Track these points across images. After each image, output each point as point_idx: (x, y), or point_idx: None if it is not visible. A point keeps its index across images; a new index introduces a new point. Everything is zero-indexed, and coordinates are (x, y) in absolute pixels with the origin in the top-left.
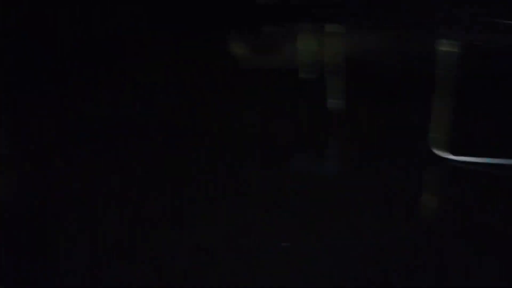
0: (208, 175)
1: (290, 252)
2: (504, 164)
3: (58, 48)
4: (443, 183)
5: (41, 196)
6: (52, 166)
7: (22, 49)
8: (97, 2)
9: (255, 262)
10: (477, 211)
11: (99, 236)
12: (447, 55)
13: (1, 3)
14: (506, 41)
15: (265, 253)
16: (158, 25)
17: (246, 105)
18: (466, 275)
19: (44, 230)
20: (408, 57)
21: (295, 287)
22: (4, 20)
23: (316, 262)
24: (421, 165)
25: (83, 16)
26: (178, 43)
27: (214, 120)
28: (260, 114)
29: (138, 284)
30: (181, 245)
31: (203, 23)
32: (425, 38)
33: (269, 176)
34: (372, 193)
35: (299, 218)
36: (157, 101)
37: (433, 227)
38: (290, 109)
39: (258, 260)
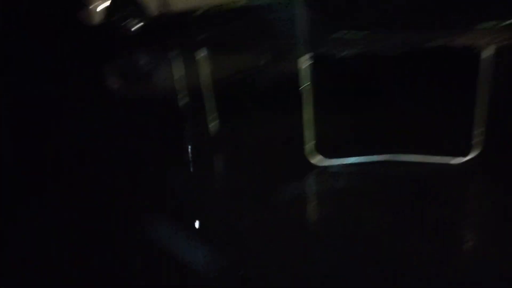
0: None
1: None
2: (372, 161)
3: None
4: (317, 186)
5: None
6: None
7: None
8: None
9: None
10: (347, 210)
11: None
12: (306, 68)
13: None
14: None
15: None
16: None
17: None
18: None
19: None
20: (273, 74)
21: None
22: None
23: None
24: (298, 171)
25: None
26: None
27: None
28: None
29: None
30: None
31: (75, 56)
32: (285, 56)
33: None
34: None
35: None
36: None
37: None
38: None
39: None
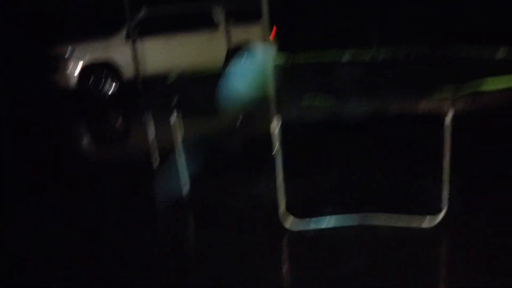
0: None
1: None
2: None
3: None
4: (291, 250)
5: None
6: None
7: None
8: None
9: None
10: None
11: None
12: (277, 133)
13: None
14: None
15: None
16: None
17: None
18: None
19: None
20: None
21: None
22: None
23: None
24: (271, 235)
25: None
26: None
27: None
28: None
29: None
30: None
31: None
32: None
33: None
34: None
35: None
36: None
37: None
38: None
39: None
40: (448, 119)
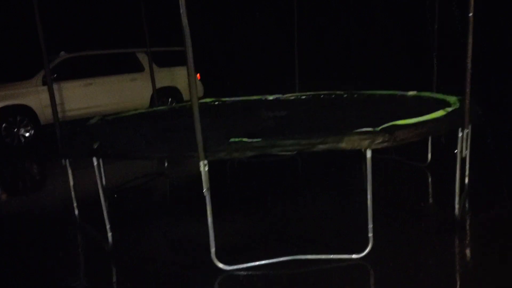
0: None
1: None
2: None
3: None
4: None
5: None
6: None
7: None
8: None
9: None
10: None
11: None
12: (206, 172)
13: None
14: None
15: None
16: None
17: None
18: None
19: None
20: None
21: None
22: None
23: None
24: (204, 276)
25: None
26: None
27: None
28: None
29: None
30: None
31: None
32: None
33: None
34: None
35: None
36: None
37: None
38: None
39: None
40: (369, 153)
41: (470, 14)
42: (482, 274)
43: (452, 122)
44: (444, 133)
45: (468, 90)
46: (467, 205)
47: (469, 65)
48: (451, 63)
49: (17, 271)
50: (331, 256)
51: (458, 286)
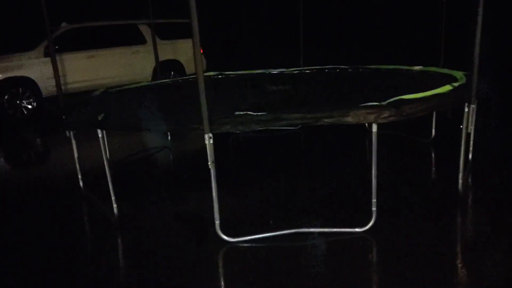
0: None
1: None
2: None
3: None
4: (228, 262)
5: None
6: None
7: None
8: None
9: None
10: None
11: None
12: (211, 145)
13: None
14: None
15: None
16: None
17: None
18: None
19: None
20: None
21: None
22: None
23: None
24: (209, 247)
25: None
26: None
27: None
28: None
29: None
30: None
31: None
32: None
33: None
34: None
35: None
36: None
37: None
38: None
39: None
40: (375, 127)
41: None
42: (483, 248)
43: (458, 97)
44: (450, 108)
45: (476, 64)
46: (470, 180)
47: (478, 39)
48: (459, 38)
49: (22, 242)
50: (334, 230)
51: (459, 260)
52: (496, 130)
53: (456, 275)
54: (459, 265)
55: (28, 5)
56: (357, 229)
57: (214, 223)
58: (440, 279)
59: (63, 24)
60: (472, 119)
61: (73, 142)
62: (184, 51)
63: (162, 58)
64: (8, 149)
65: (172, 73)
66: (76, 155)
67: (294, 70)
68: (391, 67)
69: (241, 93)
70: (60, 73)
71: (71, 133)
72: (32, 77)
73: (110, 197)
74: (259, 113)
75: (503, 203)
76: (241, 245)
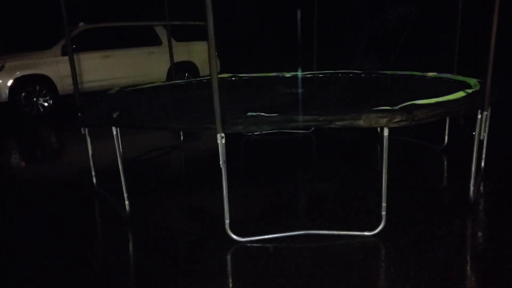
0: None
1: None
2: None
3: None
4: (237, 262)
5: None
6: None
7: None
8: None
9: None
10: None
11: None
12: (223, 145)
13: None
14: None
15: None
16: None
17: None
18: None
19: None
20: (190, 151)
21: None
22: None
23: None
24: (218, 246)
25: None
26: None
27: None
28: None
29: None
30: None
31: None
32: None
33: None
34: None
35: None
36: None
37: None
38: None
39: None
40: (386, 131)
41: None
42: (493, 256)
43: (471, 104)
44: (463, 115)
45: (489, 71)
46: (482, 188)
47: (492, 46)
48: (473, 47)
49: (34, 236)
50: (344, 232)
51: (468, 267)
52: (509, 137)
53: (465, 282)
54: (469, 273)
55: (47, 4)
56: (366, 233)
57: (224, 222)
58: (448, 286)
59: (81, 24)
60: (486, 126)
61: (88, 139)
62: (199, 53)
63: (177, 59)
64: (24, 145)
65: (187, 74)
66: (90, 152)
67: (307, 74)
68: (405, 73)
69: (254, 95)
70: (77, 72)
71: (86, 130)
72: (49, 75)
73: (123, 194)
74: (272, 114)
75: None
76: (250, 245)
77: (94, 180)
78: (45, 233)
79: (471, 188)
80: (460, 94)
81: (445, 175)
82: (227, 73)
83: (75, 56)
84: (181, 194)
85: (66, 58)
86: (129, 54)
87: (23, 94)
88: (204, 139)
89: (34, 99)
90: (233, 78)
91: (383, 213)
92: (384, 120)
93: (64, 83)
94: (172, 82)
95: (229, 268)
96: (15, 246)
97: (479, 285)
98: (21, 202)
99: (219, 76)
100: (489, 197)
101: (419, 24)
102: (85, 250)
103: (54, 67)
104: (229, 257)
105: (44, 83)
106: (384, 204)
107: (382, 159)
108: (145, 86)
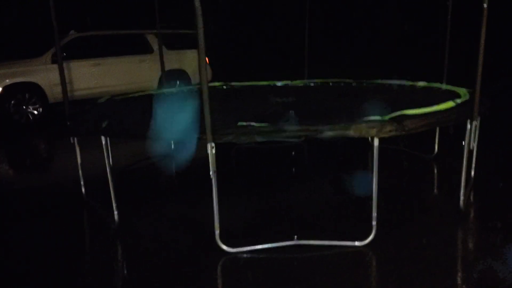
0: None
1: None
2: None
3: None
4: (227, 273)
5: None
6: None
7: None
8: None
9: None
10: None
11: None
12: (213, 155)
13: None
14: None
15: None
16: None
17: None
18: None
19: None
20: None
21: None
22: None
23: None
24: (208, 258)
25: None
26: None
27: None
28: None
29: None
30: None
31: None
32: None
33: None
34: None
35: None
36: None
37: None
38: None
39: None
40: (377, 141)
41: (485, 5)
42: (483, 266)
43: (461, 114)
44: (452, 124)
45: (478, 81)
46: (472, 197)
47: (481, 57)
48: (462, 56)
49: (23, 246)
50: (334, 243)
51: (459, 277)
52: (499, 147)
53: None
54: (460, 282)
55: (37, 12)
56: (356, 243)
57: (214, 233)
58: None
59: (71, 32)
60: (475, 135)
61: (77, 148)
62: (190, 61)
63: (168, 67)
64: (13, 154)
65: (178, 82)
66: (79, 161)
67: (299, 82)
68: (395, 82)
69: (244, 104)
70: (67, 80)
71: (75, 139)
72: (39, 83)
73: (112, 204)
74: (262, 124)
75: (504, 220)
76: (240, 255)
77: (83, 190)
78: (32, 243)
79: (461, 197)
80: (449, 104)
81: (436, 184)
82: (218, 81)
83: (65, 64)
84: (171, 204)
85: (56, 66)
86: (120, 62)
87: (12, 102)
88: (201, 145)
89: (24, 107)
90: (224, 87)
91: (374, 223)
92: (374, 130)
93: (54, 91)
94: (162, 90)
95: (219, 280)
96: (1, 256)
97: None
98: (8, 212)
99: (210, 84)
100: (479, 206)
101: (409, 32)
102: (72, 261)
103: (44, 75)
104: (219, 268)
105: (34, 91)
106: (374, 214)
107: (372, 168)
108: (135, 94)
